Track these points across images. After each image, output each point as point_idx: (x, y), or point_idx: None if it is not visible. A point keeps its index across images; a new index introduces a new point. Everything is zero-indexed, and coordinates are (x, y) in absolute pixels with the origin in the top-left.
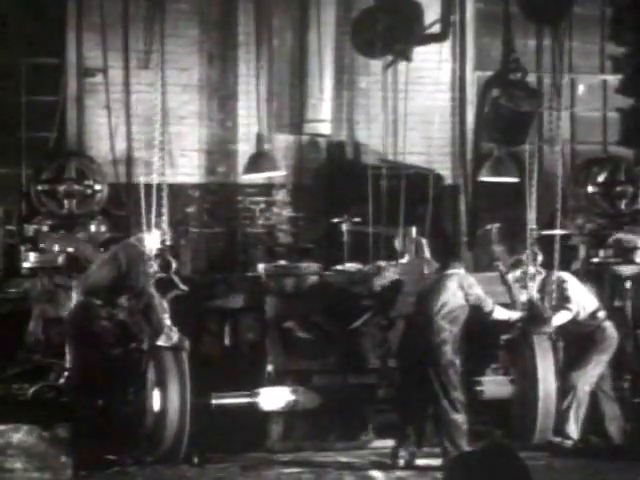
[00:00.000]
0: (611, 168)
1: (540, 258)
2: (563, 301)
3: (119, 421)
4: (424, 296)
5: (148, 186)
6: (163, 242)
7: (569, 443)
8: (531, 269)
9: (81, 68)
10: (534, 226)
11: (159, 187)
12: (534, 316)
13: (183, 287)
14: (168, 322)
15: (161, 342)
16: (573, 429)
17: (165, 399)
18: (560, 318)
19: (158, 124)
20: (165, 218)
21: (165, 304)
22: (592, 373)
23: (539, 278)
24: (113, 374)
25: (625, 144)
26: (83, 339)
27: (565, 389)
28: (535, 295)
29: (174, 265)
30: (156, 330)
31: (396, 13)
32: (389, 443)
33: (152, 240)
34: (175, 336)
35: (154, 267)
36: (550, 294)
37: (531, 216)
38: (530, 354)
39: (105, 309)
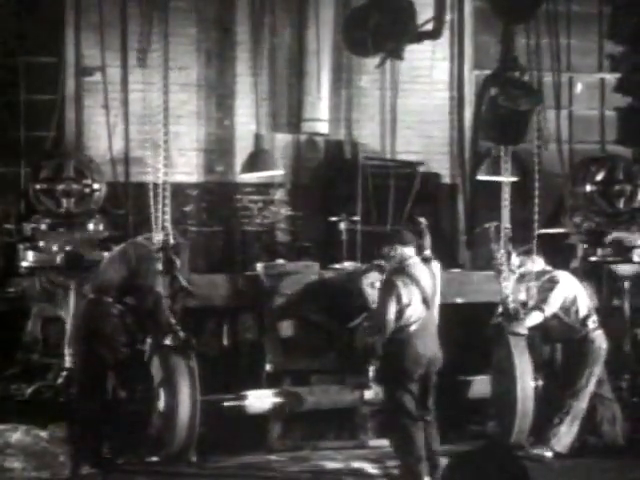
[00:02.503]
0: (609, 167)
1: (514, 257)
2: (541, 302)
3: (125, 421)
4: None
5: (150, 185)
6: (166, 241)
7: (549, 456)
8: (504, 268)
9: (79, 67)
10: (508, 225)
11: (162, 186)
12: (508, 316)
13: (188, 286)
14: (173, 321)
15: (169, 341)
16: (562, 442)
17: (175, 399)
18: (532, 319)
19: (160, 123)
20: (168, 217)
21: (169, 303)
22: (585, 390)
23: (513, 277)
24: (121, 373)
25: (623, 143)
26: (93, 337)
27: (558, 405)
28: (510, 294)
29: (178, 264)
30: (164, 330)
31: (387, 11)
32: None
33: (159, 239)
34: (182, 335)
35: (160, 266)
36: (534, 292)
37: (505, 215)
38: (507, 353)
39: (115, 307)
